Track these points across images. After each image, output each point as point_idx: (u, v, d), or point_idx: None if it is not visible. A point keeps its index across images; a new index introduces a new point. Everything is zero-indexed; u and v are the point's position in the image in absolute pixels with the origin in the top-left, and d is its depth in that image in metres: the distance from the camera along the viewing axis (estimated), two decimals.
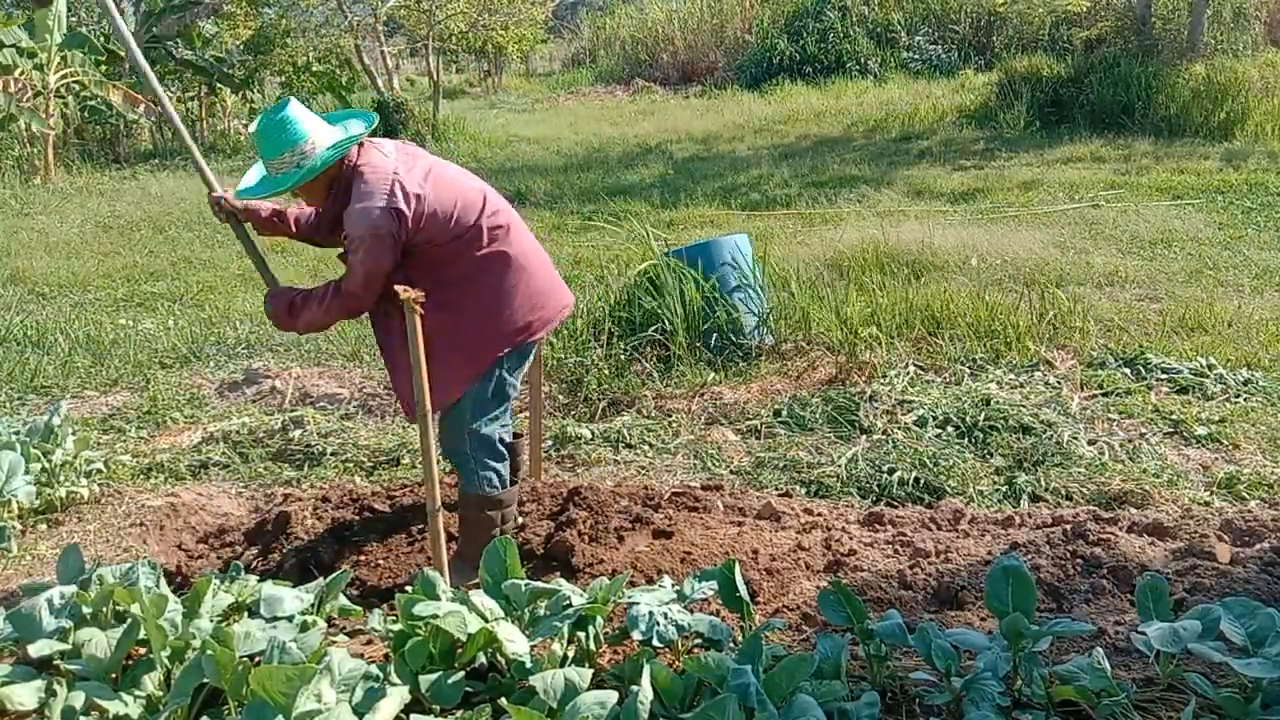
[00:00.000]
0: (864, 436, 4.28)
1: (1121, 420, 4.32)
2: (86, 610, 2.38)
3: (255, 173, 3.06)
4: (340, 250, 2.97)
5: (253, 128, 2.87)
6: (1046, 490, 3.71)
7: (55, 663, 2.25)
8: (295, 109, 2.86)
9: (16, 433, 3.92)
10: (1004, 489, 3.76)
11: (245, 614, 2.50)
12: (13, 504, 3.59)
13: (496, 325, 3.00)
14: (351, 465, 4.25)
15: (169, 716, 2.06)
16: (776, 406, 4.61)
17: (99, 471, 4.05)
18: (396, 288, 2.77)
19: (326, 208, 2.99)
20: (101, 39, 13.97)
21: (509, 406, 3.19)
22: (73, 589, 2.40)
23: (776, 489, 3.88)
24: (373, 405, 4.91)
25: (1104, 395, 4.60)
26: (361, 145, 2.93)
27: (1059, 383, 4.71)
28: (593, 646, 2.33)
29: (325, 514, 3.64)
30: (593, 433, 4.43)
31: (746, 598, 2.43)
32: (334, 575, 2.65)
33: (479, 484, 3.10)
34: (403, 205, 2.80)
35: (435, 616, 2.15)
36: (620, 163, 12.27)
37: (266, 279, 3.19)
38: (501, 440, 3.15)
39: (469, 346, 2.99)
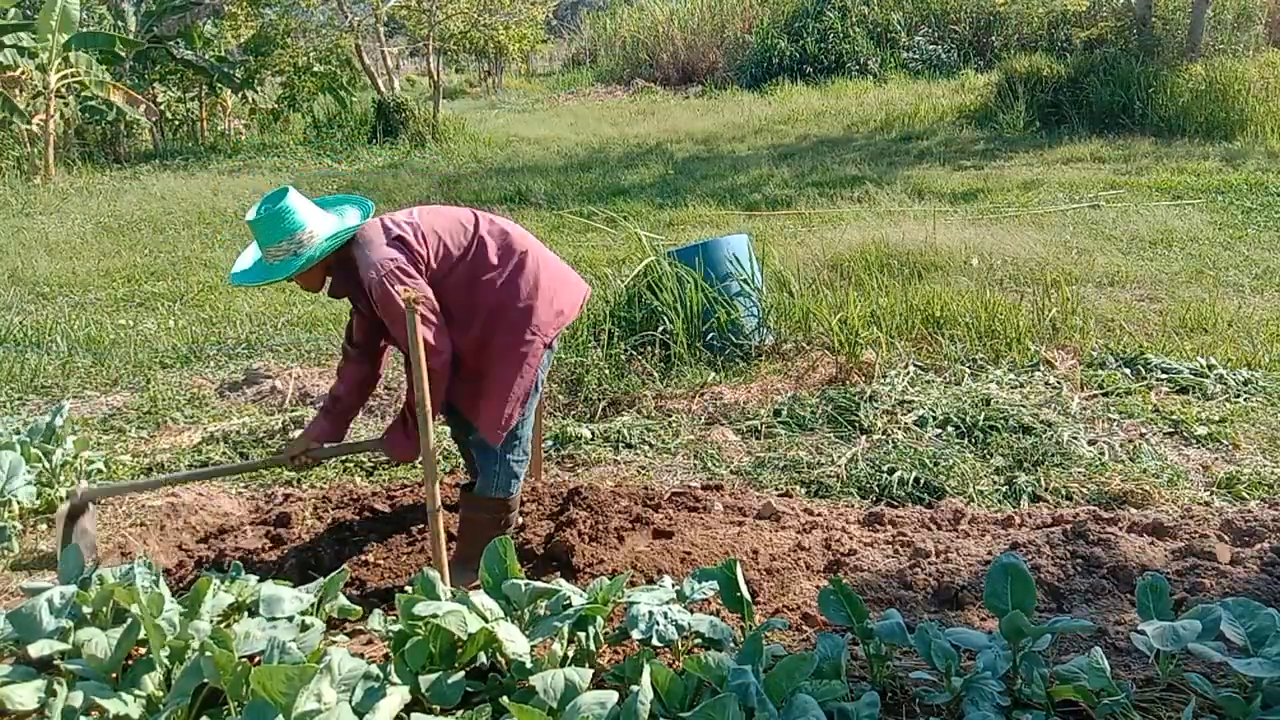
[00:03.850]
0: (864, 436, 4.28)
1: (1121, 420, 4.32)
2: (86, 610, 2.38)
3: (249, 256, 3.04)
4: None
5: (250, 215, 2.88)
6: (1046, 490, 3.71)
7: (55, 663, 2.25)
8: (294, 198, 2.87)
9: (17, 432, 3.92)
10: (1004, 489, 3.76)
11: (245, 614, 2.50)
12: (13, 504, 3.59)
13: (538, 320, 3.02)
14: (351, 465, 4.25)
15: (169, 716, 2.06)
16: (776, 406, 4.61)
17: (99, 472, 4.05)
18: (397, 287, 2.76)
19: (332, 289, 3.03)
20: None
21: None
22: (73, 589, 2.40)
23: (776, 489, 3.88)
24: (373, 405, 4.91)
25: (1104, 395, 4.60)
26: None
27: (1059, 383, 4.70)
28: (593, 646, 2.33)
29: (325, 514, 3.65)
30: (593, 433, 4.43)
31: (747, 598, 2.43)
32: (332, 575, 2.65)
33: (499, 486, 3.11)
34: (401, 232, 2.89)
35: (435, 616, 2.15)
36: (620, 163, 12.27)
37: (371, 447, 3.24)
38: None
39: (523, 360, 3.00)
